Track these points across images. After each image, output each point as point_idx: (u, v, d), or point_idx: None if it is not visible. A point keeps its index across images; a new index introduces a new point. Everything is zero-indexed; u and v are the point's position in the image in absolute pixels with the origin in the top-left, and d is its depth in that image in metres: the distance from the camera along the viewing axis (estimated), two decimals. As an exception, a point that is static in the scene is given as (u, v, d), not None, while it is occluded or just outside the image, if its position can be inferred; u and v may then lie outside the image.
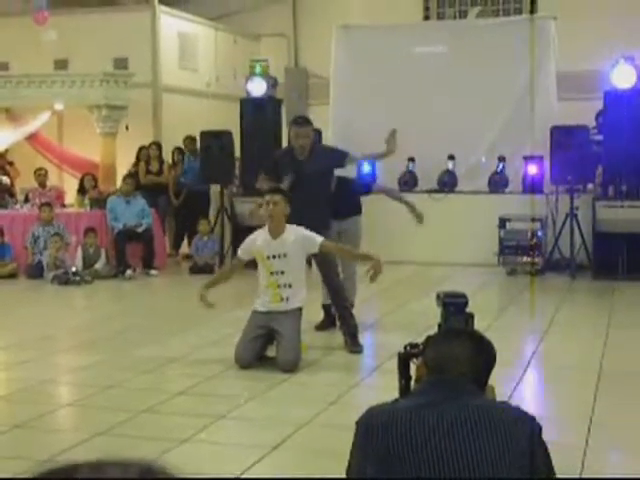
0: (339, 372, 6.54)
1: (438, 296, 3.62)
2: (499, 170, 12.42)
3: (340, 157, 7.54)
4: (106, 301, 10.24)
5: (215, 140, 12.46)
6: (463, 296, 3.66)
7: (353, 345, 7.06)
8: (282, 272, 6.49)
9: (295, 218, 6.53)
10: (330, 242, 6.65)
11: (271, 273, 6.51)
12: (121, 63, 14.73)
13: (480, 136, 12.83)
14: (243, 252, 6.67)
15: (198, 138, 12.88)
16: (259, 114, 12.39)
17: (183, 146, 13.76)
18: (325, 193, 7.48)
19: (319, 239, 6.47)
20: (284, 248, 6.48)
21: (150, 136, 14.38)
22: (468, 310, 3.69)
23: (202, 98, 15.59)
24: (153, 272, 11.58)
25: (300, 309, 6.60)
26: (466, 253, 11.98)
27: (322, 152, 7.61)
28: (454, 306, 3.66)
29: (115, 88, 13.85)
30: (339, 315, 7.32)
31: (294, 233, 6.51)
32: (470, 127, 12.76)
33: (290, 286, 6.52)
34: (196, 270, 11.54)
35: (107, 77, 13.77)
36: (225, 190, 12.73)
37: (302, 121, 7.44)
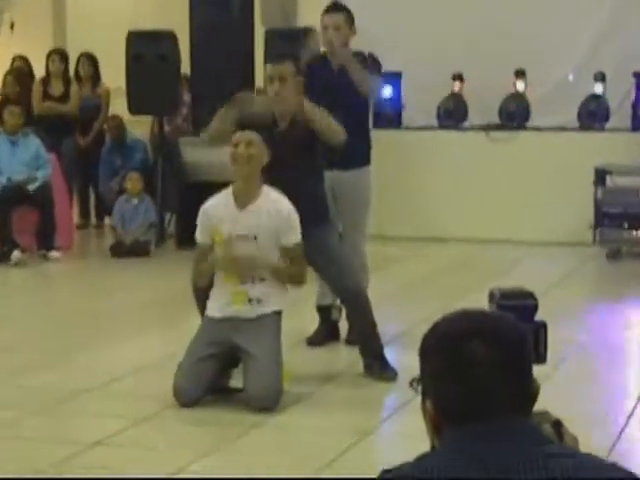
0: (342, 412, 6.49)
1: (492, 295, 3.62)
2: (596, 95, 12.40)
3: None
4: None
5: (150, 46, 12.36)
6: (530, 296, 3.66)
7: (383, 369, 7.07)
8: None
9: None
10: (300, 253, 6.67)
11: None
12: None
13: (566, 41, 12.79)
14: (202, 233, 6.63)
15: (124, 43, 12.82)
16: (219, 5, 12.33)
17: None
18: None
19: (297, 237, 6.52)
20: (255, 224, 6.48)
21: (48, 40, 14.34)
22: (538, 317, 3.70)
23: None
24: (54, 254, 11.52)
25: (278, 314, 6.61)
26: (543, 225, 11.97)
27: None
28: (516, 311, 3.66)
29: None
30: (353, 324, 7.37)
31: (273, 202, 6.51)
32: (550, 27, 12.71)
33: (262, 280, 6.53)
34: (121, 251, 11.48)
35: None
36: (166, 125, 12.69)
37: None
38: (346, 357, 7.28)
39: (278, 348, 6.53)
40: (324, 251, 7.05)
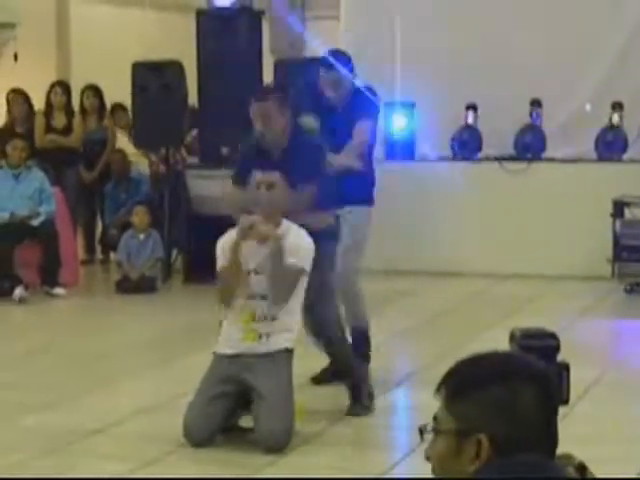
0: (354, 452, 6.50)
1: (512, 336, 3.63)
2: (613, 125, 12.36)
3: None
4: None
5: (156, 76, 12.39)
6: (552, 336, 3.65)
7: (354, 405, 7.10)
8: (263, 296, 6.49)
9: None
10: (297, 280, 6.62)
11: (248, 297, 6.51)
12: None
13: (582, 71, 12.79)
14: (223, 259, 6.58)
15: (129, 74, 12.84)
16: (227, 35, 12.34)
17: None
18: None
19: (302, 265, 6.51)
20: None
21: (52, 72, 14.37)
22: (560, 358, 3.69)
23: (134, 8, 15.58)
24: (58, 291, 11.50)
25: (290, 352, 6.58)
26: (559, 259, 11.92)
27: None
28: (538, 352, 3.67)
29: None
30: (331, 352, 7.36)
31: (293, 235, 6.52)
32: (567, 58, 12.71)
33: (274, 318, 6.52)
34: (127, 287, 11.46)
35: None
36: (172, 158, 12.69)
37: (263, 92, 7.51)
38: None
39: (289, 387, 6.52)
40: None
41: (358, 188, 7.98)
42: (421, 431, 2.53)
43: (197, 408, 6.43)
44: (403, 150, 12.81)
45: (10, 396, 7.72)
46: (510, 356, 2.78)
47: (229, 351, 6.55)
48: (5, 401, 7.57)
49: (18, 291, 11.24)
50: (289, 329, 6.56)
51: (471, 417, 2.46)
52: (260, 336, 6.47)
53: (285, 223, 6.53)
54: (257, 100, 7.15)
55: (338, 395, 7.53)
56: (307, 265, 6.51)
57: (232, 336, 6.56)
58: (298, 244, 6.51)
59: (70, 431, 6.80)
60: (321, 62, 8.00)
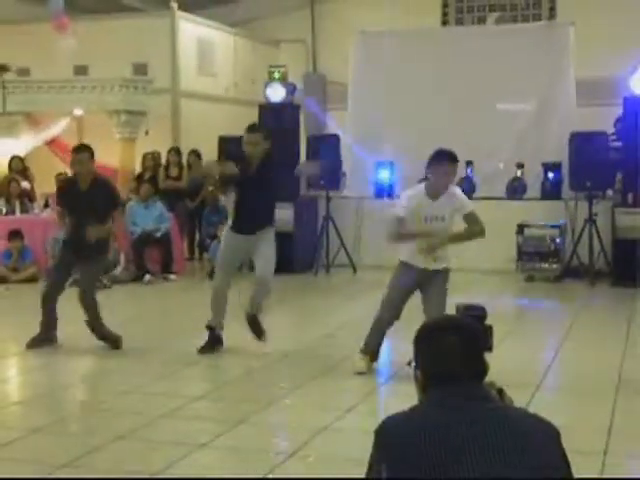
0: (357, 379, 6.41)
1: (457, 308, 3.62)
2: (517, 177, 12.35)
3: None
4: (125, 306, 10.19)
5: (235, 145, 12.35)
6: (481, 309, 3.65)
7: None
8: (439, 233, 6.29)
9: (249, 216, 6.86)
10: (476, 217, 6.39)
11: (426, 235, 6.26)
12: (140, 69, 14.81)
13: (498, 142, 12.78)
14: (403, 210, 6.25)
15: (217, 143, 12.88)
16: (277, 120, 12.37)
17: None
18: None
19: (470, 209, 6.33)
20: (443, 209, 6.27)
21: (169, 141, 14.45)
22: (487, 322, 3.67)
23: (221, 104, 15.64)
24: (172, 277, 11.61)
25: (448, 271, 6.47)
26: (484, 260, 11.88)
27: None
28: (473, 318, 3.65)
29: (134, 94, 13.93)
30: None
31: (451, 194, 6.29)
32: (488, 133, 12.71)
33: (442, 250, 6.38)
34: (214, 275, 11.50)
35: (126, 83, 13.86)
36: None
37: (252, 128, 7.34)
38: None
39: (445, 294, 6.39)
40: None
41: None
42: (409, 363, 2.52)
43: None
44: (387, 191, 12.82)
45: (146, 340, 7.71)
46: (450, 318, 2.78)
47: (420, 265, 6.36)
48: (142, 343, 7.55)
49: (147, 277, 11.34)
50: (448, 257, 6.46)
51: (416, 359, 2.46)
52: (435, 259, 6.36)
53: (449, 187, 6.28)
54: (249, 132, 7.21)
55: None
56: (470, 205, 6.37)
57: (416, 257, 6.34)
58: (461, 199, 6.33)
59: (179, 363, 6.78)
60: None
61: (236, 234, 7.11)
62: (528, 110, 12.80)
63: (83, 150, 7.38)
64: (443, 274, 6.45)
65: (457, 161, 6.32)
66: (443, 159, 6.26)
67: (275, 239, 7.25)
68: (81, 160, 7.24)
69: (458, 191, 6.42)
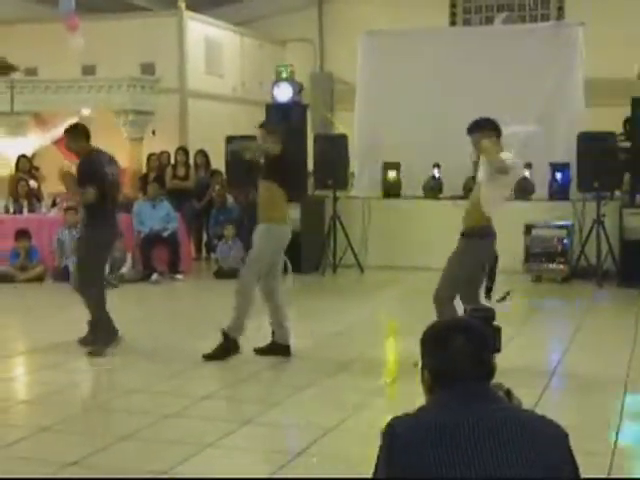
0: (361, 377, 6.44)
1: (465, 310, 3.61)
2: (526, 177, 12.29)
3: None
4: (132, 305, 10.20)
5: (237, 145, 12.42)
6: (490, 310, 3.63)
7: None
8: None
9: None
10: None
11: None
12: (148, 69, 14.84)
13: (506, 142, 12.70)
14: None
15: (224, 143, 12.89)
16: (284, 119, 12.36)
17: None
18: None
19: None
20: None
21: (176, 141, 14.47)
22: (495, 323, 3.67)
23: (228, 103, 15.66)
24: (179, 276, 11.61)
25: None
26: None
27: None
28: (481, 319, 3.63)
29: (142, 93, 13.96)
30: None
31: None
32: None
33: None
34: (221, 275, 11.55)
35: (134, 82, 13.89)
36: (252, 195, 12.72)
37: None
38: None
39: None
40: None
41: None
42: (416, 364, 2.51)
43: None
44: (394, 190, 12.82)
45: (153, 339, 7.72)
46: (457, 319, 2.75)
47: None
48: (150, 342, 7.57)
49: (154, 276, 11.34)
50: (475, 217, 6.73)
51: (423, 357, 2.44)
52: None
53: None
54: (259, 127, 7.55)
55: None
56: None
57: None
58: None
59: (185, 363, 6.79)
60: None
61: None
62: (536, 111, 12.75)
63: (66, 131, 7.71)
64: (463, 240, 6.61)
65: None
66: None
67: (274, 240, 7.20)
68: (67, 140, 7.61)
69: None
